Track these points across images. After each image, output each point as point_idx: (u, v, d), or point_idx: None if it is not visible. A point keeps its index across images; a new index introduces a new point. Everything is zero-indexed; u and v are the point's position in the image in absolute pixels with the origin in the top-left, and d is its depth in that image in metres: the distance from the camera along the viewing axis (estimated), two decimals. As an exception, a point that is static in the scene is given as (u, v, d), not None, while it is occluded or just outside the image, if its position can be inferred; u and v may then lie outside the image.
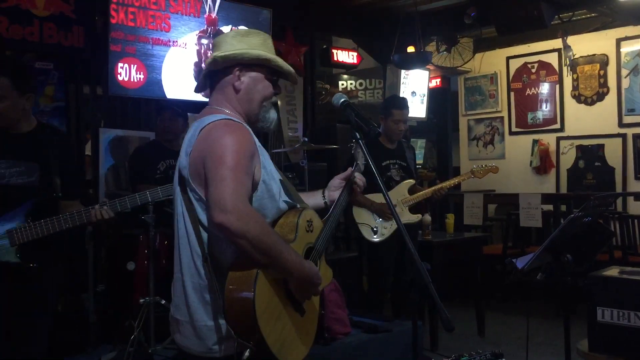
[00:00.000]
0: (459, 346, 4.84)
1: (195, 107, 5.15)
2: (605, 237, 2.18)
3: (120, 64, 4.63)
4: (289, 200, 1.99)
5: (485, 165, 4.43)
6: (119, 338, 3.21)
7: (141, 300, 3.09)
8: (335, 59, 6.23)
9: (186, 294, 1.85)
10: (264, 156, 1.93)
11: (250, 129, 1.93)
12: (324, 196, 2.19)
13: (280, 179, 2.00)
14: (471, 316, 5.18)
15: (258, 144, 1.92)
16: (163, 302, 3.09)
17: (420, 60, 5.58)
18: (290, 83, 2.09)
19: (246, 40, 1.98)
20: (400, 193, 4.26)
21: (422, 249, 4.45)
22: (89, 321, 3.38)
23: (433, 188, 4.32)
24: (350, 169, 2.18)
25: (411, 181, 4.34)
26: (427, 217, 4.73)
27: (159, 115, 4.23)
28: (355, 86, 7.54)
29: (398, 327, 3.86)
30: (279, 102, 2.09)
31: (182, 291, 1.87)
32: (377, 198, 4.08)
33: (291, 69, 2.03)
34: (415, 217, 4.31)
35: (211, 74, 2.03)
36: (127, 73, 4.69)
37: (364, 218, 4.23)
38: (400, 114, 4.35)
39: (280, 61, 1.99)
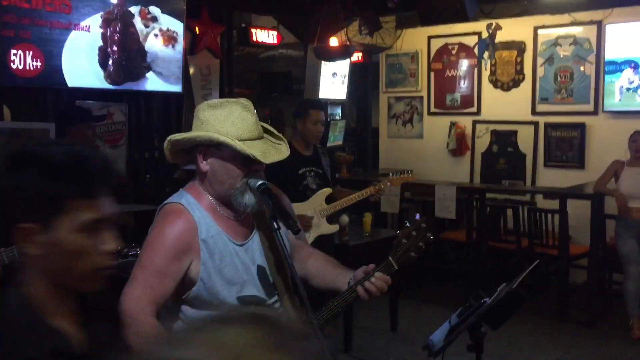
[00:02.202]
0: (373, 344, 4.93)
1: (100, 95, 4.81)
2: (520, 302, 2.16)
3: (13, 51, 4.19)
4: (252, 295, 1.86)
5: (402, 174, 4.43)
6: None
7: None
8: (255, 39, 5.95)
9: None
10: (211, 248, 1.82)
11: (197, 220, 1.84)
12: (349, 282, 1.98)
13: (259, 266, 1.90)
14: (385, 306, 5.24)
15: (209, 233, 1.83)
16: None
17: (342, 54, 5.40)
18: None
19: (214, 115, 1.84)
20: (317, 203, 4.16)
21: (340, 252, 4.41)
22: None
23: (348, 199, 4.24)
24: (372, 266, 1.97)
25: (328, 190, 4.23)
26: (345, 218, 4.67)
27: (69, 124, 3.85)
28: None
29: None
30: (260, 184, 1.87)
31: None
32: (295, 208, 3.96)
33: (250, 151, 1.80)
34: (333, 228, 4.24)
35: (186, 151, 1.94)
36: (21, 61, 4.25)
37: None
38: (318, 114, 4.22)
39: (237, 145, 1.78)
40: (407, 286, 6.11)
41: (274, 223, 1.84)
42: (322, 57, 5.65)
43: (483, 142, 7.20)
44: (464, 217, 6.32)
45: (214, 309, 1.82)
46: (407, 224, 2.03)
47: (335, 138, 6.89)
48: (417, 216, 2.04)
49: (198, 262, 1.81)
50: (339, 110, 7.79)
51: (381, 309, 5.32)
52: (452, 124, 7.36)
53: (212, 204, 1.90)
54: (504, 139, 7.06)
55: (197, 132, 1.85)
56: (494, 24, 6.29)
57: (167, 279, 1.78)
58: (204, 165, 1.87)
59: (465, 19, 5.38)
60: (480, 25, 6.80)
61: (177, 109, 5.46)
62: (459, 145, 7.30)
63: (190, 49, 5.40)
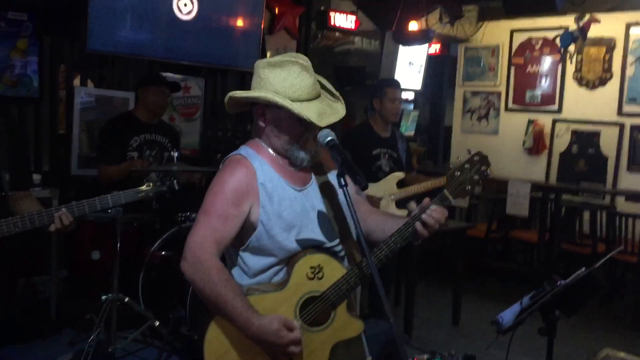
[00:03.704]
0: (433, 336, 4.80)
1: (177, 68, 4.89)
2: (597, 289, 2.03)
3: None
4: (311, 238, 1.87)
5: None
6: (79, 330, 3.08)
7: (103, 297, 2.94)
8: (333, 23, 5.90)
9: None
10: (270, 193, 1.85)
11: (255, 166, 1.87)
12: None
13: (319, 211, 1.91)
14: (447, 301, 5.12)
15: (267, 178, 1.86)
16: (127, 299, 2.95)
17: (421, 39, 5.28)
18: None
19: (271, 75, 1.87)
20: (388, 186, 4.08)
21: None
22: (50, 307, 3.24)
23: (419, 186, 4.13)
24: (427, 199, 1.91)
25: (400, 174, 4.15)
26: (412, 205, 4.56)
27: (144, 86, 3.93)
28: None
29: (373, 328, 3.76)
30: (330, 139, 1.88)
31: None
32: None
33: (306, 113, 1.81)
34: (400, 213, 4.15)
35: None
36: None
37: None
38: (395, 91, 4.18)
39: (293, 106, 1.81)
40: (471, 283, 5.95)
41: (342, 179, 1.79)
42: (401, 41, 5.55)
43: (562, 142, 6.90)
44: (536, 217, 6.08)
45: (273, 256, 1.83)
46: (459, 159, 1.94)
47: (407, 128, 6.78)
48: (469, 151, 1.95)
49: (257, 205, 1.83)
50: (411, 106, 7.65)
51: (443, 302, 5.20)
52: (530, 122, 7.08)
53: (271, 155, 1.93)
54: (585, 139, 6.73)
55: (257, 93, 1.88)
56: (587, 16, 5.95)
57: (229, 221, 1.80)
58: (263, 122, 1.92)
59: (553, 9, 5.14)
60: (567, 20, 6.49)
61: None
62: (536, 143, 7.02)
63: (269, 28, 5.42)
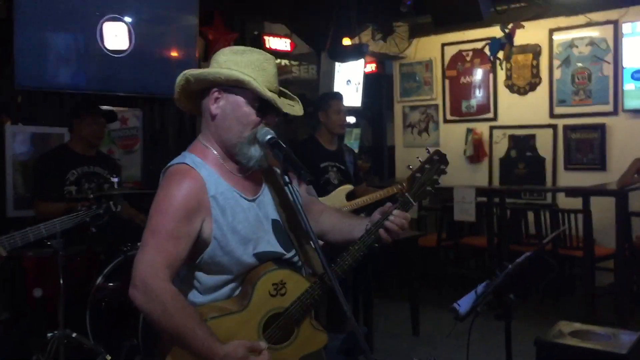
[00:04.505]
0: (394, 347, 4.79)
1: (114, 100, 4.79)
2: (547, 270, 2.06)
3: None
4: (269, 251, 1.80)
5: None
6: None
7: (49, 335, 2.81)
8: (268, 46, 5.92)
9: None
10: (223, 205, 1.74)
11: (204, 177, 1.75)
12: (367, 228, 1.86)
13: (274, 220, 1.84)
14: (406, 313, 5.13)
15: (219, 190, 1.75)
16: (74, 334, 2.82)
17: (356, 54, 5.38)
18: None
19: (236, 60, 1.77)
20: (338, 199, 4.09)
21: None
22: (-8, 353, 3.07)
23: (369, 197, 4.15)
24: (388, 205, 1.87)
25: (349, 186, 4.17)
26: (362, 217, 4.59)
27: (78, 117, 3.82)
28: (288, 62, 7.30)
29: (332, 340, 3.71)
30: (270, 137, 1.79)
31: None
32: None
33: (272, 96, 1.75)
34: (350, 224, 4.15)
35: (197, 94, 1.83)
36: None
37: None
38: (339, 103, 4.24)
39: (256, 84, 1.72)
40: (428, 293, 5.99)
41: (285, 177, 1.74)
42: (336, 57, 5.63)
43: (501, 148, 7.10)
44: (483, 223, 6.20)
45: (229, 272, 1.76)
46: (419, 159, 1.94)
47: (351, 146, 6.84)
48: (428, 150, 1.95)
49: (210, 220, 1.73)
50: (353, 119, 7.75)
51: (402, 314, 5.21)
52: (469, 131, 7.27)
53: (218, 160, 1.82)
54: (522, 143, 6.95)
55: (218, 69, 1.76)
56: (511, 24, 6.20)
57: (180, 241, 1.68)
58: (215, 108, 1.79)
59: (478, 18, 5.32)
60: (494, 31, 6.74)
61: (191, 117, 5.45)
62: (477, 151, 7.21)
63: (204, 56, 5.40)
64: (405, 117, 7.90)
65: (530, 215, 6.05)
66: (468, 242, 6.41)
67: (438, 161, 1.90)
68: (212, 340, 1.61)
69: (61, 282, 2.89)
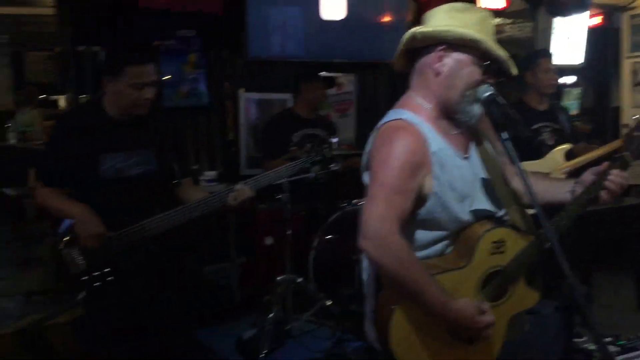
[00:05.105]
0: (614, 323, 4.48)
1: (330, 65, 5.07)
2: None
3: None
4: (483, 209, 1.81)
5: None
6: (259, 312, 3.32)
7: (278, 279, 3.15)
8: (481, 4, 5.75)
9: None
10: (442, 162, 1.76)
11: (424, 133, 1.75)
12: (572, 190, 1.84)
13: (484, 179, 1.84)
14: (628, 285, 4.74)
15: (438, 146, 1.76)
16: (299, 279, 3.14)
17: (578, 6, 4.96)
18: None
19: (459, 17, 1.75)
20: (555, 160, 3.86)
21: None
22: (232, 292, 3.52)
23: (590, 155, 3.87)
24: (606, 164, 1.82)
25: (566, 146, 3.90)
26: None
27: (304, 82, 4.13)
28: (502, 20, 7.00)
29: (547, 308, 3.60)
30: (490, 93, 1.77)
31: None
32: (528, 166, 3.76)
33: (503, 54, 1.74)
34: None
35: (414, 52, 1.85)
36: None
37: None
38: (548, 61, 3.94)
39: (490, 44, 1.72)
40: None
41: (504, 134, 1.71)
42: (556, 12, 5.26)
43: None
44: None
45: (444, 229, 1.78)
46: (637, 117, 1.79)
47: (570, 107, 6.40)
48: None
49: (430, 176, 1.73)
50: (573, 78, 7.22)
51: (624, 286, 4.82)
52: None
53: (433, 117, 1.82)
54: None
55: (449, 27, 1.73)
56: None
57: (407, 195, 1.69)
58: (440, 66, 1.78)
59: None
60: None
61: (403, 80, 5.52)
62: None
63: (416, 19, 5.42)
64: (635, 75, 7.12)
65: None
66: None
67: None
68: (445, 295, 1.64)
69: (288, 232, 3.21)
